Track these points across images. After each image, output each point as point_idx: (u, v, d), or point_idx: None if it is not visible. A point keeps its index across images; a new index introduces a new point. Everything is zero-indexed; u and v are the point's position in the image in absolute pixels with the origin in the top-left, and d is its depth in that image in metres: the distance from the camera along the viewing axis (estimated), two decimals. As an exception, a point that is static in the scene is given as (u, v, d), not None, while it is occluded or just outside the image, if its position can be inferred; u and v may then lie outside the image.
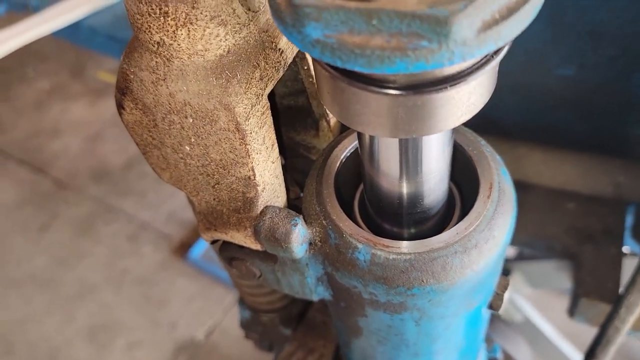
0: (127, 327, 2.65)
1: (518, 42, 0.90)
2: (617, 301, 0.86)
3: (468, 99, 0.39)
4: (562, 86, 0.93)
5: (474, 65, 0.38)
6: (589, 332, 0.93)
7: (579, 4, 0.79)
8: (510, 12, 0.33)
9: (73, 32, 1.63)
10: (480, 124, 1.07)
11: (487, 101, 0.42)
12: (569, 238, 1.04)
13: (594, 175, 0.98)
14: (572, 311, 1.01)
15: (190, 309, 2.68)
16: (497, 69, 0.42)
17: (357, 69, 0.34)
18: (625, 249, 1.04)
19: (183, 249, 2.87)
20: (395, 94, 0.38)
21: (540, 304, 1.82)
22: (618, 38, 0.82)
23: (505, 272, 1.72)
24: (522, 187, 1.05)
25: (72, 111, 3.61)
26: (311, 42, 0.34)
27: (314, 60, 0.43)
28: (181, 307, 2.70)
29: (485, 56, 0.38)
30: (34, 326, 2.66)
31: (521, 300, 1.74)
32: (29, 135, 3.49)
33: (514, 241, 1.10)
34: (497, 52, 0.39)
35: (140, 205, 3.09)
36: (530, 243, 1.07)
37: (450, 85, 0.37)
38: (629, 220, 1.04)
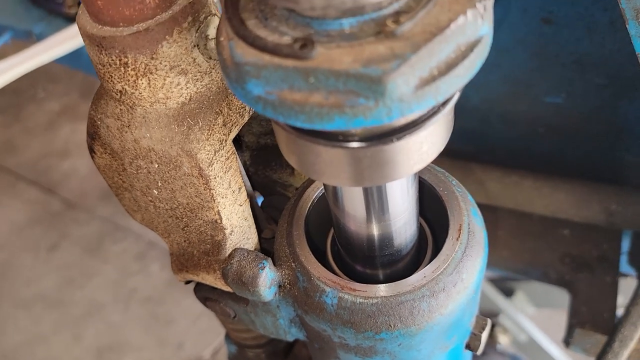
0: (135, 346, 2.65)
1: (505, 72, 0.89)
2: (611, 334, 0.84)
3: (419, 148, 0.39)
4: (552, 114, 0.92)
5: (421, 117, 0.38)
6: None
7: (560, 36, 0.79)
8: (448, 67, 0.32)
9: (75, 59, 1.65)
10: (471, 151, 1.07)
11: (442, 148, 0.42)
12: (563, 266, 1.02)
13: (586, 204, 0.97)
14: (567, 341, 0.99)
15: (197, 328, 2.68)
16: (450, 117, 0.41)
17: (298, 124, 0.34)
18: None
19: (190, 268, 2.87)
20: (344, 147, 0.38)
21: (545, 324, 1.78)
22: (603, 67, 0.81)
23: (509, 292, 1.71)
24: (514, 215, 1.04)
25: (81, 132, 3.65)
26: (253, 98, 0.34)
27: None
28: (188, 326, 2.70)
29: (433, 107, 0.38)
30: (43, 346, 2.67)
31: (525, 320, 1.71)
32: (40, 156, 3.54)
33: (510, 269, 1.09)
34: (445, 102, 0.38)
35: (148, 225, 3.10)
36: (525, 271, 1.06)
37: (397, 138, 0.37)
38: (625, 246, 1.03)
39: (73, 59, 1.65)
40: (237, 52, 0.34)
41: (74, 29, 1.55)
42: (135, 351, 2.63)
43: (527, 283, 1.66)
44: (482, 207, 0.59)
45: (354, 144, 0.38)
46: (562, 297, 1.48)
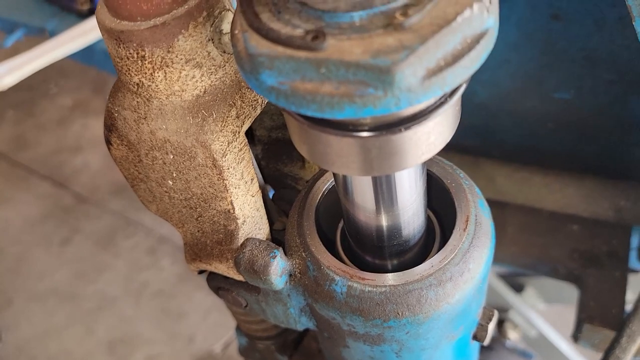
0: (146, 340, 2.67)
1: (514, 68, 0.90)
2: (619, 329, 0.84)
3: (427, 138, 0.40)
4: (561, 110, 0.92)
5: (428, 107, 0.39)
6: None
7: (569, 32, 0.79)
8: (455, 59, 0.33)
9: (88, 55, 1.67)
10: (480, 148, 1.08)
11: (449, 139, 0.43)
12: (572, 261, 1.02)
13: (595, 200, 0.97)
14: (576, 336, 0.99)
15: (208, 322, 2.70)
16: (457, 107, 0.42)
17: (309, 114, 0.35)
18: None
19: (200, 263, 2.88)
20: (354, 136, 0.39)
21: (554, 319, 1.78)
22: (613, 63, 0.81)
23: (518, 287, 1.71)
24: (523, 211, 1.04)
25: (93, 127, 3.69)
26: (267, 88, 0.36)
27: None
28: (199, 320, 2.72)
29: (440, 98, 0.39)
30: (55, 340, 2.70)
31: (535, 315, 1.71)
32: (52, 151, 3.58)
33: (519, 264, 1.10)
34: (452, 93, 0.39)
35: (159, 219, 3.11)
36: (534, 266, 1.06)
37: (405, 128, 0.38)
38: (635, 241, 1.03)
39: (86, 55, 1.67)
40: (251, 44, 0.35)
41: (86, 25, 1.56)
42: (147, 345, 2.66)
43: (537, 279, 1.66)
44: (491, 203, 0.60)
45: (364, 134, 0.39)
46: (571, 293, 1.48)
